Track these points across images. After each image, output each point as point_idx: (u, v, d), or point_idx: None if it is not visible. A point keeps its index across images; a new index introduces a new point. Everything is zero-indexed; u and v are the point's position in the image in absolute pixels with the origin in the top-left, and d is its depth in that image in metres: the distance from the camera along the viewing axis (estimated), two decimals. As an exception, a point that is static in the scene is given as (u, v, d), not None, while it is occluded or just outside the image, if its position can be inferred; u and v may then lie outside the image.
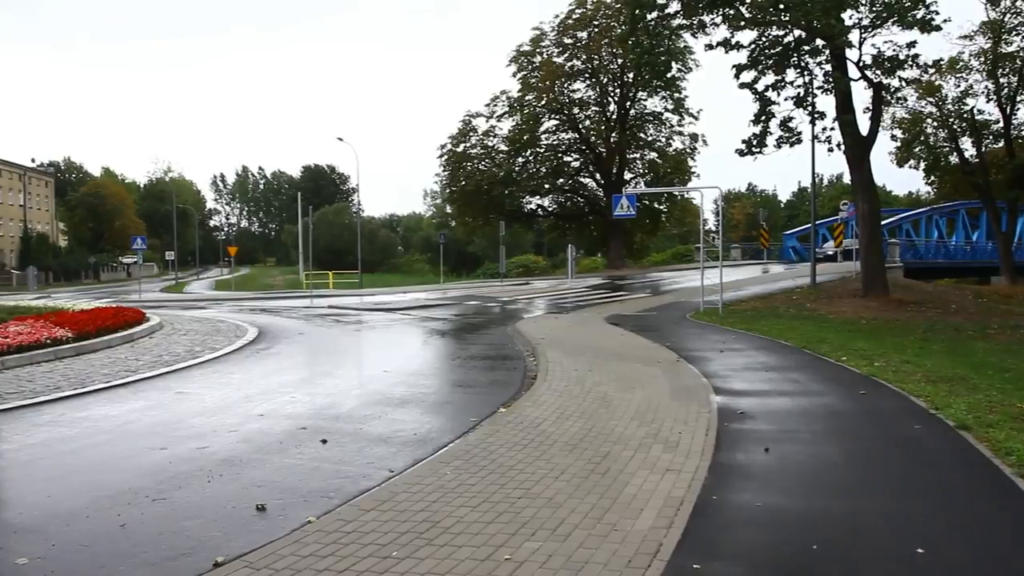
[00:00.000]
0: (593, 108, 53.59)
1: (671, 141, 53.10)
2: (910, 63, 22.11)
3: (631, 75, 49.93)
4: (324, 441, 6.92)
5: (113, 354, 13.46)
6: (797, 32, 22.83)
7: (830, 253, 41.42)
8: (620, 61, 49.67)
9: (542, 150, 54.21)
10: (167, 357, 12.96)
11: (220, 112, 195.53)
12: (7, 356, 12.06)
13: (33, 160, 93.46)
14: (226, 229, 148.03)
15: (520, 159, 53.89)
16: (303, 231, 63.05)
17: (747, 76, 23.50)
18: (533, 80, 51.20)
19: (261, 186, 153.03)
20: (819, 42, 22.59)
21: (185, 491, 5.62)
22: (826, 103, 32.71)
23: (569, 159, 55.53)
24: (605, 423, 7.32)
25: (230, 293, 43.29)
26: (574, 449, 6.38)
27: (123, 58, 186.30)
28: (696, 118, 51.35)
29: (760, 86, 23.55)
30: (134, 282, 57.14)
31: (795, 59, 23.37)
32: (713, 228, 58.24)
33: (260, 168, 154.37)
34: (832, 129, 23.46)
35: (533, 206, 57.70)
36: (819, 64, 23.38)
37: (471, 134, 53.41)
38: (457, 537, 4.47)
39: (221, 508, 5.24)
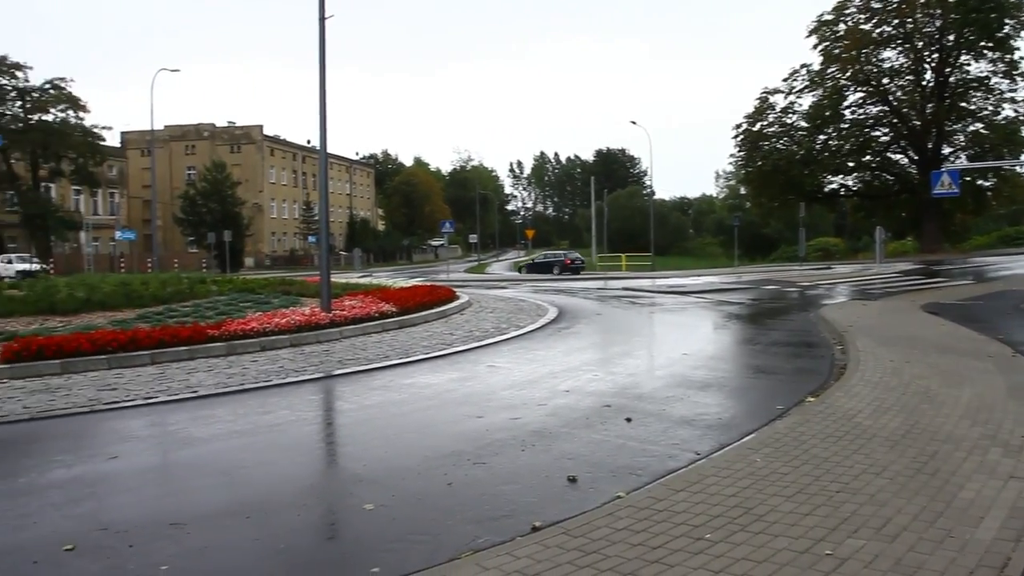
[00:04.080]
0: (906, 77, 49.08)
1: (1000, 109, 47.06)
2: None
3: (952, 37, 45.11)
4: (629, 420, 7.03)
5: (430, 328, 14.70)
6: None
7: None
8: (939, 23, 45.09)
9: (846, 125, 50.76)
10: (477, 333, 13.91)
11: (517, 102, 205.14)
12: (345, 327, 13.64)
13: (357, 153, 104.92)
14: (522, 213, 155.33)
15: (821, 136, 50.90)
16: (596, 214, 64.38)
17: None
18: (836, 51, 48.00)
19: (556, 171, 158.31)
20: None
21: (501, 458, 5.99)
22: None
23: (877, 134, 51.48)
24: (930, 420, 6.72)
25: (527, 274, 45.33)
26: (895, 446, 5.93)
27: (430, 55, 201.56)
28: (1033, 82, 45.16)
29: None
30: (441, 263, 61.86)
31: None
32: (1052, 207, 51.14)
33: (555, 153, 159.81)
34: None
35: (835, 185, 54.31)
36: None
37: (768, 112, 51.35)
38: (772, 526, 4.34)
39: (535, 476, 5.52)
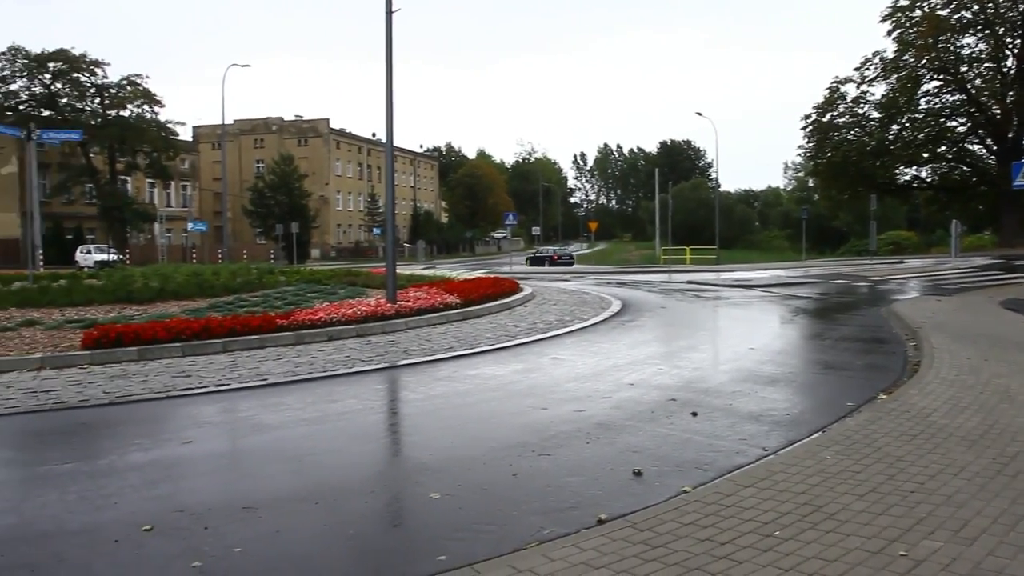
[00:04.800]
0: (986, 64, 47.29)
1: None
2: None
3: (1036, 21, 43.38)
4: (694, 414, 6.96)
5: (494, 320, 14.76)
6: None
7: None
8: (1021, 7, 43.34)
9: (920, 115, 49.19)
10: (541, 325, 13.92)
11: (581, 94, 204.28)
12: (410, 318, 13.79)
13: (421, 146, 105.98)
14: (585, 205, 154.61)
15: (894, 126, 49.42)
16: (660, 206, 63.73)
17: None
18: (911, 38, 46.48)
19: (619, 163, 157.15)
20: None
21: (566, 450, 5.99)
22: None
23: (953, 124, 49.78)
24: (1010, 420, 6.49)
25: (590, 267, 45.21)
26: (973, 446, 5.74)
27: (493, 47, 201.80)
28: None
29: None
30: (504, 255, 61.91)
31: None
32: None
33: (619, 145, 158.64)
34: None
35: (908, 177, 52.72)
36: None
37: (838, 102, 50.10)
38: (844, 525, 4.24)
39: (600, 469, 5.50)
